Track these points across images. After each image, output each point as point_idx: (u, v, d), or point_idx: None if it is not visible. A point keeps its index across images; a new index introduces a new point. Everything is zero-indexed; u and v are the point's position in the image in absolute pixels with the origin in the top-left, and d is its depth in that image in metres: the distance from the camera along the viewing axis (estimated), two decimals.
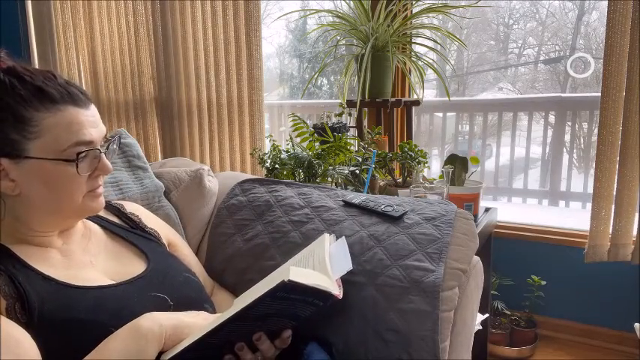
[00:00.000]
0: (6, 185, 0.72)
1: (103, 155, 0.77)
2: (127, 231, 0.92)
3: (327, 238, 0.89)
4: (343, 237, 0.90)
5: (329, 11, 1.89)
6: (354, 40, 1.86)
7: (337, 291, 0.72)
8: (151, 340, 0.66)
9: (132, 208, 0.99)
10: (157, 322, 0.67)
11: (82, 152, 0.73)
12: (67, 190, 0.74)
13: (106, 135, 0.80)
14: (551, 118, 3.43)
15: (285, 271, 0.69)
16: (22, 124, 0.70)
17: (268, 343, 0.72)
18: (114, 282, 0.79)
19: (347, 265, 0.81)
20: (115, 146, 0.83)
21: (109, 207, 0.96)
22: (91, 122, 0.75)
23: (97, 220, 0.90)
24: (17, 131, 0.70)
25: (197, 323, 0.71)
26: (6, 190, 0.72)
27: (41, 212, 0.76)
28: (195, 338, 0.66)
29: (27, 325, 0.66)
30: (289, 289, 0.65)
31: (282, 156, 1.46)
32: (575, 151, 3.81)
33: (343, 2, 1.86)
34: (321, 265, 0.78)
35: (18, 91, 0.70)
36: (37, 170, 0.72)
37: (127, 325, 0.67)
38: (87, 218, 0.87)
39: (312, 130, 1.54)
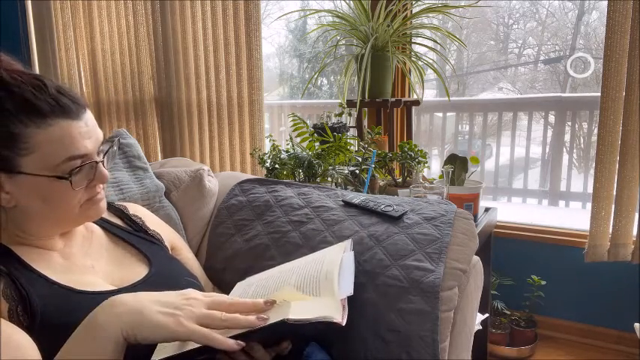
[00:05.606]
0: (2, 197, 0.71)
1: (100, 165, 0.75)
2: (130, 233, 0.91)
3: (343, 247, 0.85)
4: (352, 253, 0.87)
5: (329, 11, 1.89)
6: (354, 40, 1.86)
7: (340, 316, 0.67)
8: (107, 338, 0.59)
9: (135, 209, 0.98)
10: (114, 319, 0.60)
11: (76, 168, 0.71)
12: (64, 203, 0.73)
13: (105, 137, 0.78)
14: (551, 118, 3.43)
15: (285, 307, 0.65)
16: (12, 141, 0.67)
17: (262, 351, 0.67)
18: (115, 287, 0.78)
19: (349, 288, 0.75)
20: (115, 148, 0.81)
21: (113, 208, 0.95)
22: (84, 134, 0.72)
23: (100, 222, 0.89)
24: (8, 148, 0.68)
25: (189, 333, 0.59)
26: (2, 201, 0.72)
27: (39, 222, 0.75)
28: (193, 347, 0.61)
29: (28, 329, 0.65)
30: (289, 325, 0.62)
31: (282, 156, 1.46)
32: (575, 151, 3.81)
33: (343, 2, 1.86)
34: (329, 282, 0.75)
35: (6, 106, 0.67)
36: (32, 185, 0.70)
37: (84, 323, 0.61)
38: None
39: (312, 130, 1.54)
